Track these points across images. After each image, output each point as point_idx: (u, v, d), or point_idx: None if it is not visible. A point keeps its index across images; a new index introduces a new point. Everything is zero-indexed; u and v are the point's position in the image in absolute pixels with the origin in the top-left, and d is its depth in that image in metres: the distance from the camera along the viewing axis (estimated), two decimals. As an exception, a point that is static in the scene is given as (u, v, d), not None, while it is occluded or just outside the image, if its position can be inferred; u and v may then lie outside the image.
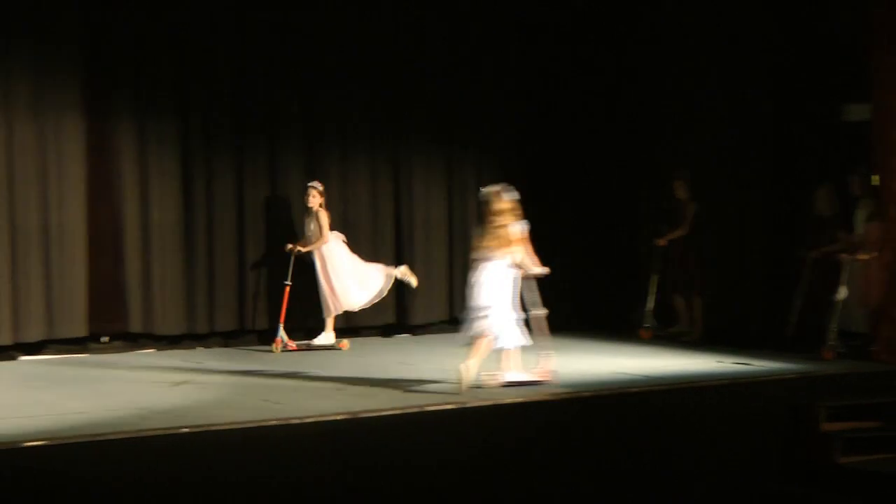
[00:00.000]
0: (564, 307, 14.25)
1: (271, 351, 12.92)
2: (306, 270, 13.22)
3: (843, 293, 12.29)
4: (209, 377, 11.47)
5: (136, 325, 13.13)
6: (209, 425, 9.04)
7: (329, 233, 13.10)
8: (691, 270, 13.86)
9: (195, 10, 13.32)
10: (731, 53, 14.10)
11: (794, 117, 13.72)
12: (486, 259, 10.69)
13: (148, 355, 12.94)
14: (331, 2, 14.08)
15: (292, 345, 13.00)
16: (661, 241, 13.91)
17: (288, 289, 13.04)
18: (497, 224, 10.62)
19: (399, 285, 14.20)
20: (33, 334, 12.55)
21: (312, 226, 13.11)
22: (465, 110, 14.90)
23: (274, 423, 9.23)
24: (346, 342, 13.23)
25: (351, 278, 13.18)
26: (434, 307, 14.74)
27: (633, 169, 15.05)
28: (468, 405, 10.00)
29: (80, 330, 12.80)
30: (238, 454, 8.64)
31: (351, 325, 14.00)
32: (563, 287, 14.50)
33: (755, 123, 13.96)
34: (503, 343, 10.71)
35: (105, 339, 13.02)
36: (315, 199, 13.07)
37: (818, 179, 13.08)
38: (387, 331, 14.41)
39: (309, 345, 13.11)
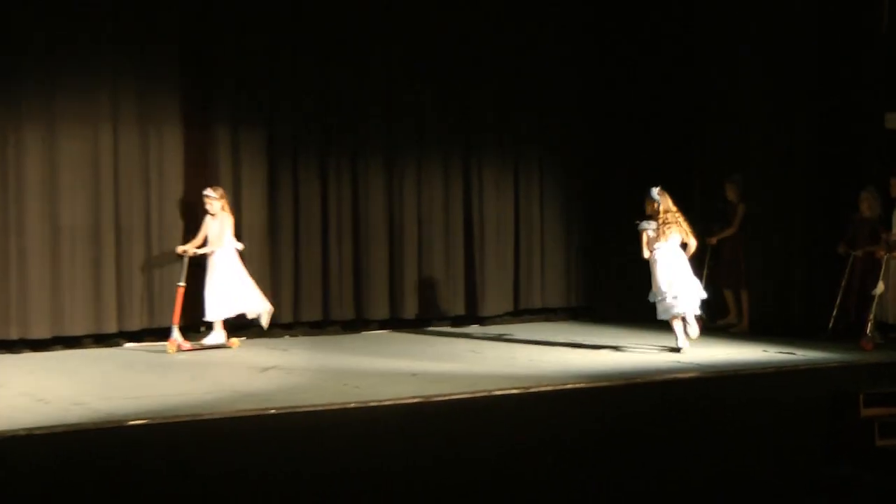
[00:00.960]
0: (620, 298, 14.54)
1: (166, 352, 12.26)
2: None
3: (880, 288, 12.41)
4: (295, 363, 11.60)
5: (229, 316, 13.36)
6: (294, 407, 9.20)
7: (230, 238, 12.60)
8: (740, 267, 13.96)
9: (282, 30, 13.51)
10: (778, 58, 13.97)
11: (839, 123, 13.66)
12: (664, 244, 11.89)
13: (240, 343, 13.02)
14: (409, 13, 14.21)
15: (187, 345, 12.41)
16: (712, 240, 13.99)
17: (182, 289, 12.37)
18: (671, 216, 11.98)
19: (470, 278, 14.54)
20: (136, 323, 12.80)
21: (216, 228, 12.58)
22: (531, 115, 14.96)
23: (353, 405, 9.38)
24: (236, 340, 12.79)
25: (233, 289, 12.62)
26: (501, 300, 14.84)
27: (688, 170, 15.02)
28: (532, 390, 10.08)
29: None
30: (320, 433, 8.76)
31: (424, 315, 14.21)
32: (619, 281, 14.74)
33: (801, 127, 13.88)
34: (691, 311, 11.97)
35: (203, 328, 13.11)
36: (216, 204, 12.54)
37: (860, 183, 13.10)
38: (457, 321, 14.53)
39: (202, 345, 12.54)
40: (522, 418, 9.56)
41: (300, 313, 13.74)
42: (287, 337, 13.54)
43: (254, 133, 13.46)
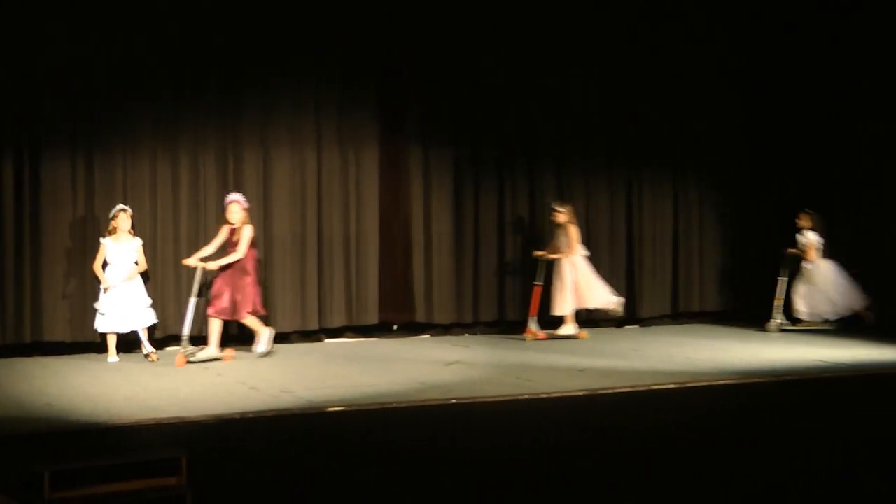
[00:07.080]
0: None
1: (524, 339, 12.82)
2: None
3: None
4: (475, 358, 11.50)
5: (418, 316, 13.31)
6: (474, 397, 9.16)
7: (578, 245, 12.98)
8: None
9: (465, 58, 13.48)
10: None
11: None
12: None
13: (425, 340, 13.09)
14: (578, 45, 14.06)
15: (542, 334, 12.85)
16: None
17: (538, 288, 12.95)
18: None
19: (631, 284, 14.27)
20: (336, 321, 12.85)
21: (563, 237, 12.98)
22: (689, 140, 14.66)
23: (527, 397, 9.29)
24: (585, 332, 13.11)
25: (580, 288, 13.04)
26: (659, 303, 14.58)
27: (830, 185, 14.49)
28: (688, 385, 9.86)
29: (373, 319, 13.07)
30: (496, 421, 8.67)
31: (591, 317, 13.90)
32: (771, 287, 14.21)
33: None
34: None
35: (395, 326, 13.26)
36: (561, 217, 12.90)
37: None
38: (620, 323, 14.23)
39: (555, 334, 12.96)
40: (680, 410, 9.27)
41: (479, 314, 13.67)
42: (467, 335, 13.47)
43: (441, 154, 13.45)
